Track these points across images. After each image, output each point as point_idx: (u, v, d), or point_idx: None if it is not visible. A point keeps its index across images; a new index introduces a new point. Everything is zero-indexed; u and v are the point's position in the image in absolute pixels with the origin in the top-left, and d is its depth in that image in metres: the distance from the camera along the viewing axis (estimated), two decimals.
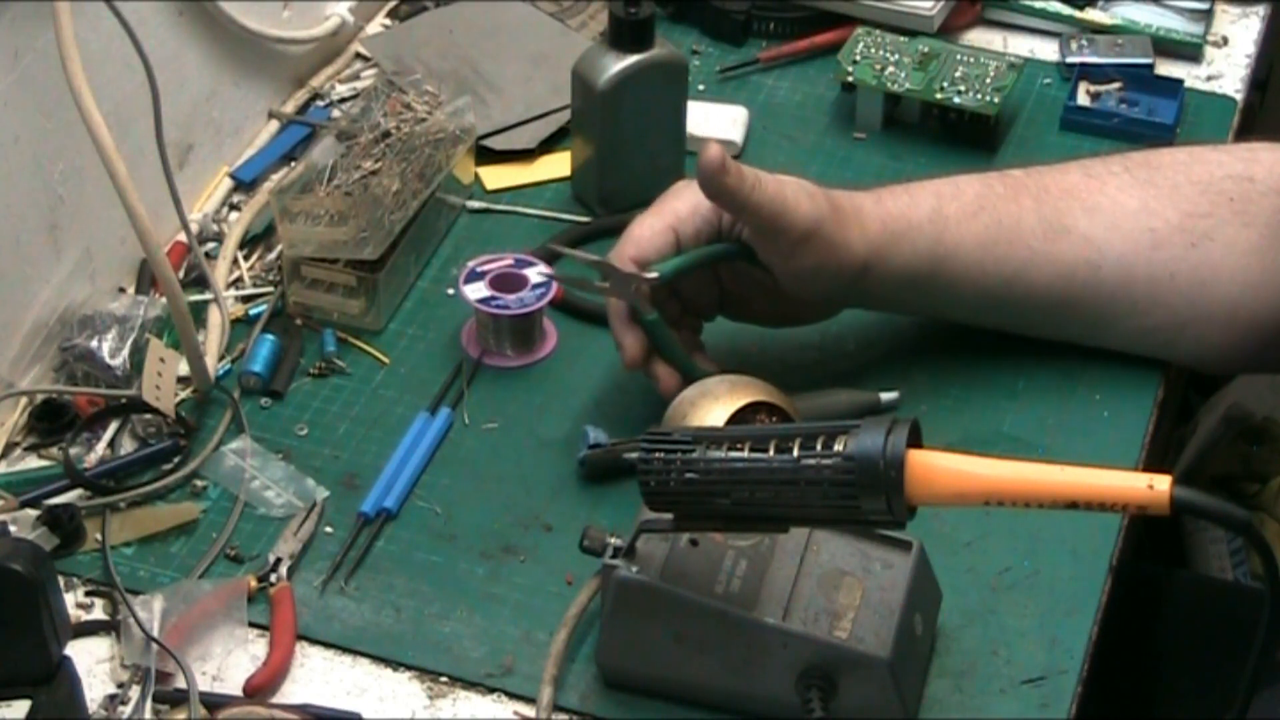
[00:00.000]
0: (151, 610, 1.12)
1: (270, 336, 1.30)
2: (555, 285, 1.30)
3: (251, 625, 1.13)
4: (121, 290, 1.35)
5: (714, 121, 1.48)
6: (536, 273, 1.31)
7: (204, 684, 1.09)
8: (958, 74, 1.49)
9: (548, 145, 1.48)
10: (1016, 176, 1.27)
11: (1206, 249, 1.23)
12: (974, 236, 1.23)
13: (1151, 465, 1.25)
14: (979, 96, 1.47)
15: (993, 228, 1.23)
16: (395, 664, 1.11)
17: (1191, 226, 1.23)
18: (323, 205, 1.30)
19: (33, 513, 1.18)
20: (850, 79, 1.50)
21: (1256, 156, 1.26)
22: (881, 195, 1.24)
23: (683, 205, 1.20)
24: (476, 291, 1.29)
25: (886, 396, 1.26)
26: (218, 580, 1.15)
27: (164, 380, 1.24)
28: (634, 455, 1.02)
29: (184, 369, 1.26)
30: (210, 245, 1.40)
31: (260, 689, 1.09)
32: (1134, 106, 1.50)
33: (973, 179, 1.26)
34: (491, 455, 1.24)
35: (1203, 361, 1.29)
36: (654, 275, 1.19)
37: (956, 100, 1.47)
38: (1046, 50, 1.59)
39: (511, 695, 1.10)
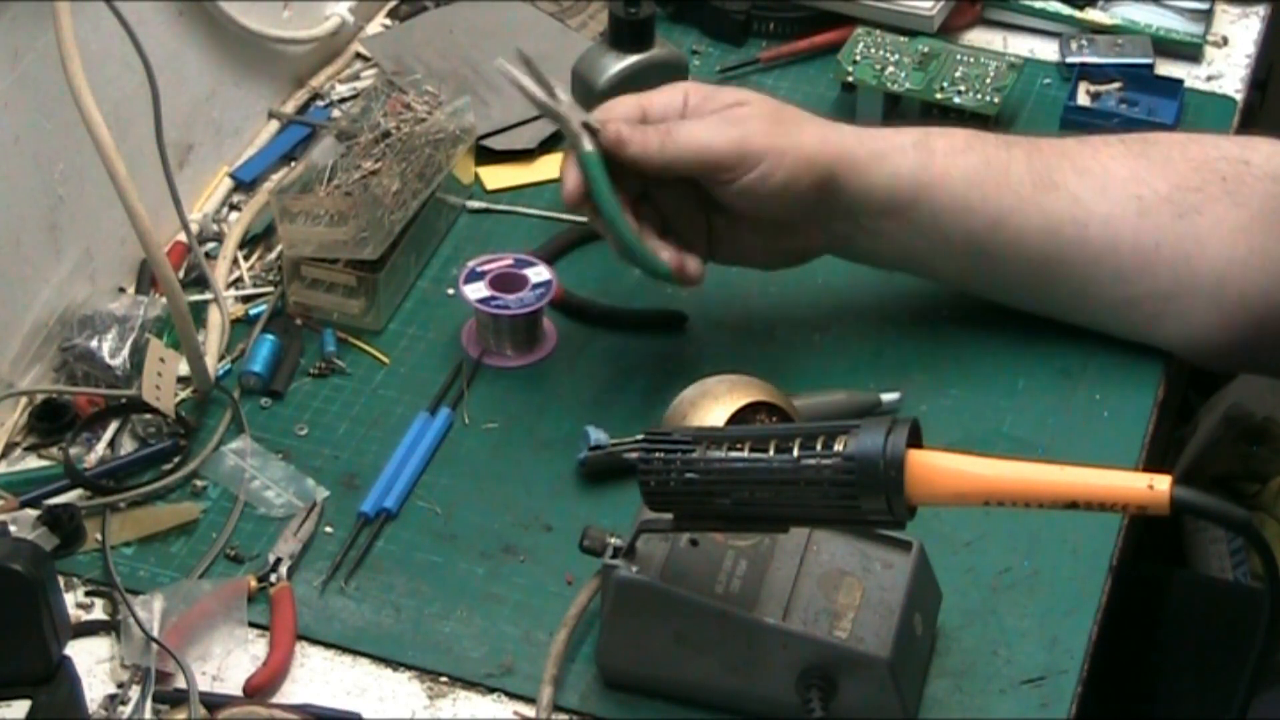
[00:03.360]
0: (151, 610, 1.12)
1: (270, 336, 1.30)
2: (555, 285, 1.30)
3: (251, 625, 1.13)
4: (121, 290, 1.35)
5: None
6: (536, 273, 1.31)
7: (204, 684, 1.09)
8: (958, 74, 1.49)
9: (548, 145, 1.48)
10: (1011, 135, 1.29)
11: (1193, 221, 1.23)
12: (960, 170, 1.24)
13: (1151, 465, 1.25)
14: (979, 96, 1.47)
15: (980, 167, 1.24)
16: (395, 664, 1.11)
17: (1180, 199, 1.24)
18: (323, 205, 1.30)
19: (33, 513, 1.18)
20: (850, 79, 1.50)
21: (1255, 144, 1.27)
22: (863, 128, 1.27)
23: (660, 95, 1.22)
24: (476, 291, 1.29)
25: (888, 397, 1.26)
26: (218, 580, 1.15)
27: (164, 380, 1.24)
28: (634, 455, 1.02)
29: (184, 369, 1.26)
30: (210, 245, 1.40)
31: (260, 689, 1.09)
32: (1134, 106, 1.50)
33: (964, 129, 1.28)
34: (491, 455, 1.24)
35: (1191, 344, 1.28)
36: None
37: (956, 100, 1.47)
38: (1046, 50, 1.59)
39: (511, 695, 1.10)
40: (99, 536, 1.18)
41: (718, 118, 1.21)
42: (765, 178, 1.20)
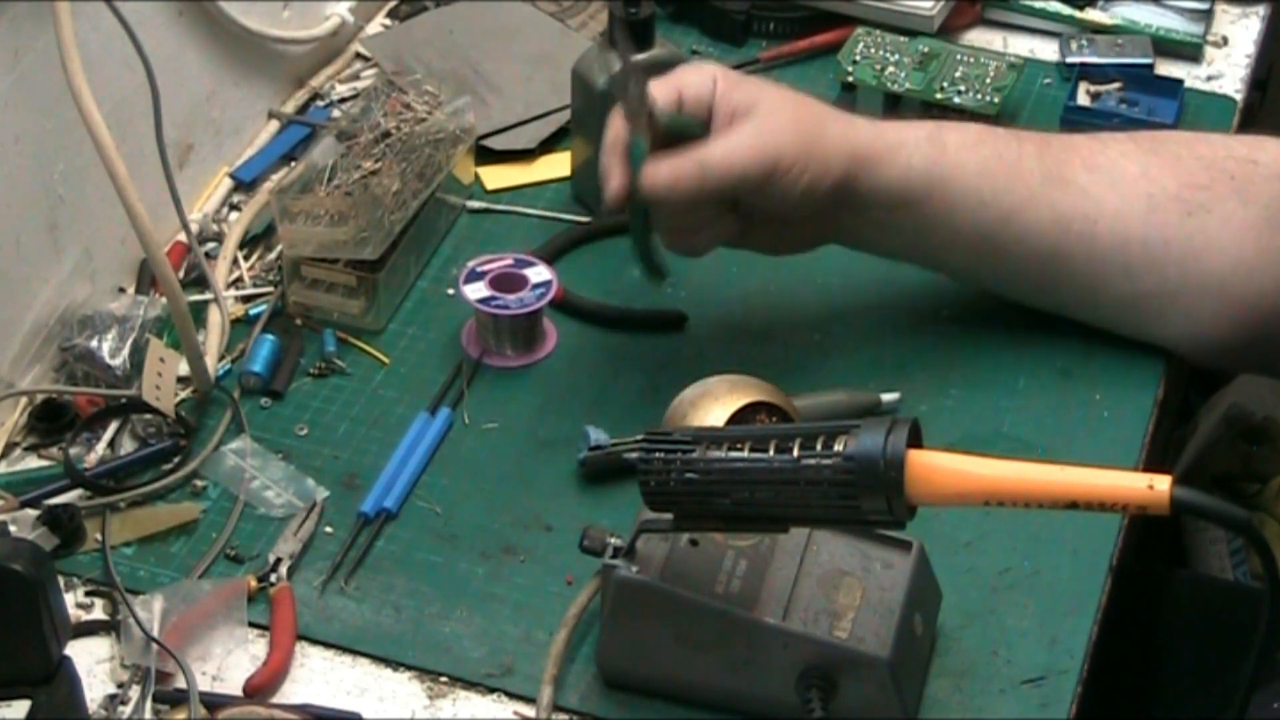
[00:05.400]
0: (151, 610, 1.12)
1: (270, 336, 1.30)
2: (555, 285, 1.30)
3: (251, 625, 1.13)
4: (121, 290, 1.35)
5: None
6: (536, 273, 1.31)
7: (204, 684, 1.09)
8: (958, 74, 1.49)
9: (548, 145, 1.48)
10: (1020, 130, 1.29)
11: (1202, 219, 1.24)
12: (973, 165, 1.24)
13: (1151, 465, 1.25)
14: (979, 96, 1.47)
15: (992, 161, 1.25)
16: (395, 664, 1.11)
17: (1189, 197, 1.24)
18: (323, 205, 1.30)
19: (33, 513, 1.18)
20: (850, 79, 1.50)
21: (1263, 144, 1.27)
22: (876, 121, 1.26)
23: (691, 78, 1.21)
24: (476, 291, 1.29)
25: (888, 397, 1.25)
26: (218, 580, 1.15)
27: (164, 380, 1.24)
28: (634, 455, 1.02)
29: (184, 369, 1.26)
30: (210, 245, 1.40)
31: (260, 689, 1.09)
32: (1134, 106, 1.50)
33: (975, 124, 1.29)
34: (491, 455, 1.24)
35: (1195, 342, 1.28)
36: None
37: (956, 100, 1.47)
38: (1046, 50, 1.59)
39: (511, 695, 1.10)
40: (99, 536, 1.18)
41: (748, 134, 1.19)
42: (791, 186, 1.20)
